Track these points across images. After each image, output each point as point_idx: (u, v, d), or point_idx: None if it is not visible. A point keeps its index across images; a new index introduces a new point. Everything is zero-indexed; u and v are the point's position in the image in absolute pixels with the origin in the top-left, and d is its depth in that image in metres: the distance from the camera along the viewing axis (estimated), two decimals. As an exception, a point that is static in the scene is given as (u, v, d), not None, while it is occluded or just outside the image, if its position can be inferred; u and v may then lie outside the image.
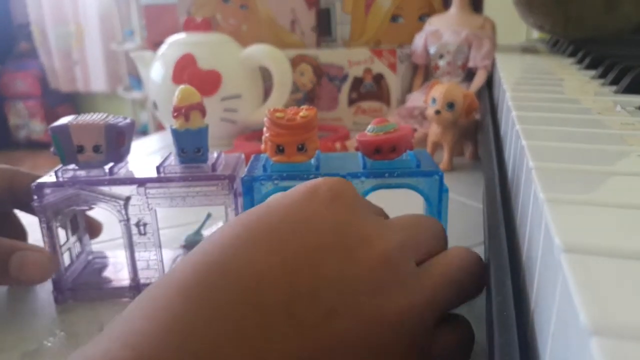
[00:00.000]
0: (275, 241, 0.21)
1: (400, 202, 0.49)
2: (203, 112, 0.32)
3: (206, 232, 0.42)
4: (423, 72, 0.77)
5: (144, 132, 2.80)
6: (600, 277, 0.14)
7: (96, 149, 0.31)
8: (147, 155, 0.72)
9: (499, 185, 0.33)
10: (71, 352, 0.18)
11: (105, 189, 0.32)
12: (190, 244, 0.40)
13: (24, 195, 0.32)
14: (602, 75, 0.45)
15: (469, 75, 0.71)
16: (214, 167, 0.32)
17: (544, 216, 0.18)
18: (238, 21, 0.85)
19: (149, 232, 0.33)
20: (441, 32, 0.73)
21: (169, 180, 0.32)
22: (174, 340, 0.17)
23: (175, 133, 0.32)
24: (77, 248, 0.37)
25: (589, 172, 0.22)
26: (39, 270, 0.31)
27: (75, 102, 3.43)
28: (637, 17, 0.64)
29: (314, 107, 0.31)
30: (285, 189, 0.31)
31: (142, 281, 0.33)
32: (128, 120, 0.33)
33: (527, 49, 0.75)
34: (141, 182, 0.32)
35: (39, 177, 0.32)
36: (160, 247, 0.33)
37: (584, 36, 0.67)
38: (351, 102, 0.78)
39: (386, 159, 0.31)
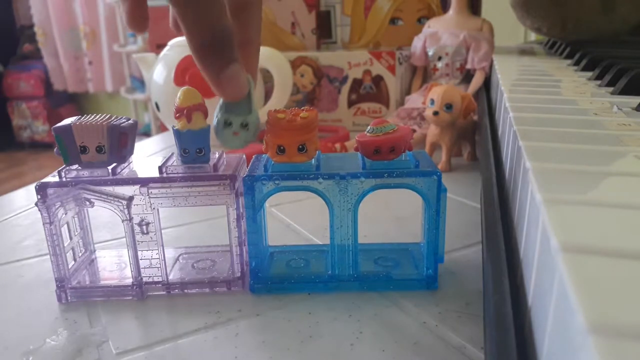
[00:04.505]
0: None
1: (400, 202, 0.50)
2: (205, 112, 0.32)
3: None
4: (422, 73, 0.77)
5: (146, 133, 2.80)
6: (597, 276, 0.14)
7: (99, 149, 0.32)
8: (149, 155, 0.72)
9: (497, 185, 0.33)
10: (73, 351, 0.18)
11: (109, 188, 0.32)
12: None
13: None
14: (599, 77, 0.46)
15: (467, 76, 0.72)
16: (215, 167, 0.33)
17: (541, 216, 0.18)
18: (238, 23, 0.85)
19: (151, 231, 0.33)
20: (440, 34, 0.73)
21: (171, 180, 0.32)
22: None
23: (178, 133, 0.32)
24: (80, 247, 0.37)
25: (586, 172, 0.22)
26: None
27: (78, 103, 3.44)
28: (634, 19, 0.65)
29: (314, 108, 0.32)
30: (286, 188, 0.32)
31: (144, 280, 0.34)
32: (131, 121, 0.33)
33: (525, 51, 0.76)
34: (144, 182, 0.32)
35: None
36: (162, 246, 0.34)
37: (581, 38, 0.67)
38: (351, 103, 0.78)
39: (385, 160, 0.32)
